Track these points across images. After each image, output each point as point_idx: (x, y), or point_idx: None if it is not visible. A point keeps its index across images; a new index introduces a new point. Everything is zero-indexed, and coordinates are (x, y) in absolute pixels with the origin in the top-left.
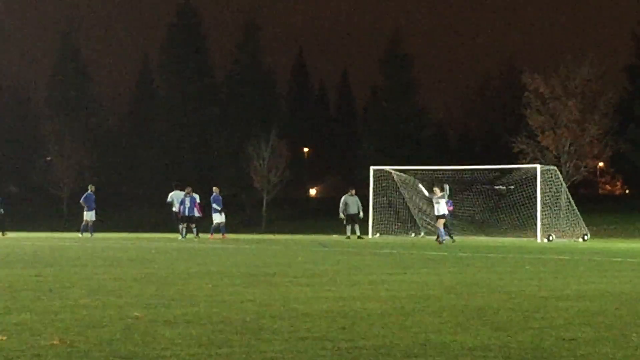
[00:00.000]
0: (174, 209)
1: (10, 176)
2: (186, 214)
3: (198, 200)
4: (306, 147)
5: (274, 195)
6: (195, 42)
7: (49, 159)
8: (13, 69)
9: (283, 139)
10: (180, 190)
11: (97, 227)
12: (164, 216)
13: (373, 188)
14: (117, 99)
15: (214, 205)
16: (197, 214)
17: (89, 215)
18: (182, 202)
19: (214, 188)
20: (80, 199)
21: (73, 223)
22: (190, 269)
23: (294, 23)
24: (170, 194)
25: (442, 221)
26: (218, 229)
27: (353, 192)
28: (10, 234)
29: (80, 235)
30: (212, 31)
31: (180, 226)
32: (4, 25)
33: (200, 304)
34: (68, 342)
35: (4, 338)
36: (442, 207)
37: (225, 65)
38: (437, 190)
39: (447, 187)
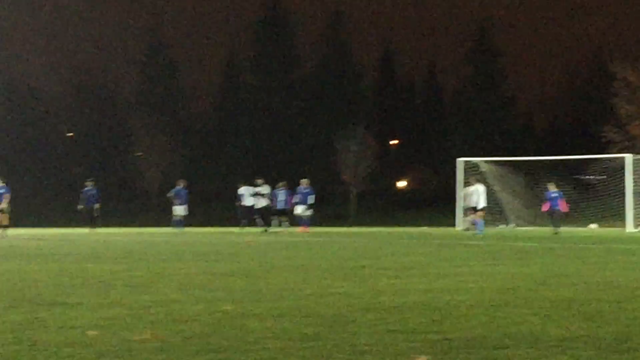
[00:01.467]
0: (242, 202)
1: (100, 172)
2: (281, 207)
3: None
4: (394, 139)
5: (362, 188)
6: (282, 34)
7: (138, 154)
8: (101, 65)
9: (371, 131)
10: (250, 185)
11: (186, 221)
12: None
13: (460, 180)
14: (205, 93)
15: (308, 198)
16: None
17: (179, 210)
18: (275, 195)
19: (303, 181)
20: (168, 193)
21: (162, 218)
22: (280, 262)
23: (381, 14)
24: (242, 188)
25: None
26: (306, 222)
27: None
28: (101, 230)
29: (173, 230)
30: (299, 23)
31: (271, 219)
32: (92, 22)
33: (289, 297)
34: (159, 337)
35: (96, 333)
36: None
37: (312, 57)
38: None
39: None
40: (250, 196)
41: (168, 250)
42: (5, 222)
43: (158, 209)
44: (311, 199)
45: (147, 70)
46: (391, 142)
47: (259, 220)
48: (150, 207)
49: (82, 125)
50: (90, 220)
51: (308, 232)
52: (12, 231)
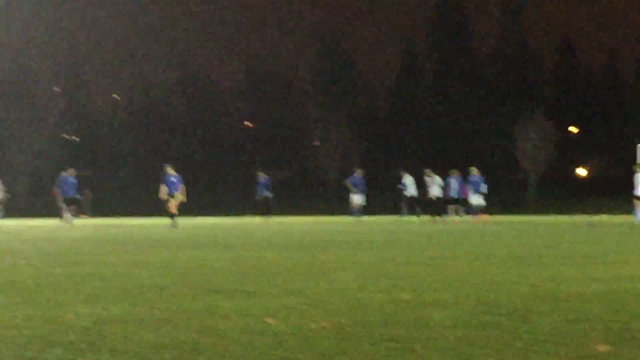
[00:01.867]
0: (405, 192)
1: (278, 161)
2: (455, 195)
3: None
4: (573, 126)
5: (541, 175)
6: (459, 22)
7: (316, 143)
8: (279, 55)
9: (549, 118)
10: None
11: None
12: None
13: None
14: (382, 81)
15: (481, 187)
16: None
17: (357, 199)
18: (448, 184)
19: (472, 169)
20: (345, 182)
21: (341, 206)
22: (457, 251)
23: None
24: (407, 178)
25: None
26: (478, 210)
27: None
28: (278, 219)
29: (351, 218)
30: (477, 10)
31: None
32: (269, 13)
33: (468, 286)
34: (338, 325)
35: (275, 321)
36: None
37: (490, 44)
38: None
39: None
40: (412, 185)
41: (346, 238)
42: (174, 210)
43: (337, 198)
44: (484, 188)
45: (325, 59)
46: (570, 129)
47: (417, 209)
48: (328, 196)
49: (260, 115)
50: (264, 209)
51: (483, 220)
52: (190, 221)
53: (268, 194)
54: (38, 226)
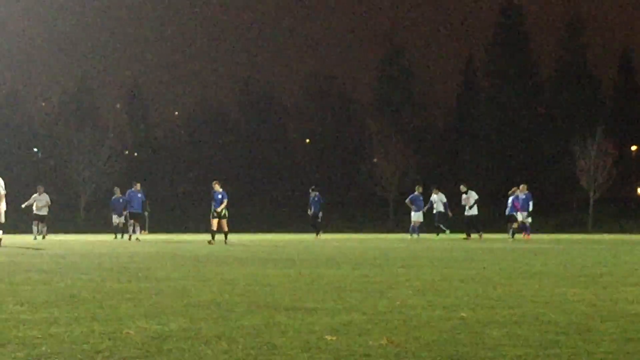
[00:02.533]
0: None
1: (337, 177)
2: (509, 212)
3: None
4: (633, 145)
5: (601, 194)
6: (519, 40)
7: (375, 160)
8: (339, 71)
9: (609, 137)
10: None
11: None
12: (489, 215)
13: None
14: (441, 98)
15: (529, 205)
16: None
17: (416, 216)
18: (515, 199)
19: (522, 187)
20: (406, 199)
21: (401, 224)
22: (515, 268)
23: (619, 17)
24: (435, 193)
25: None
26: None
27: None
28: (331, 236)
29: (409, 236)
30: (536, 29)
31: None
32: (329, 29)
33: (526, 304)
34: (396, 343)
35: (334, 338)
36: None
37: (549, 63)
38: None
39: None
40: (442, 202)
41: (405, 256)
42: (226, 228)
43: (397, 214)
44: (530, 205)
45: (384, 76)
46: (631, 148)
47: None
48: (388, 214)
49: (319, 130)
50: (315, 226)
51: (529, 239)
52: (249, 236)
53: (318, 211)
54: (98, 241)
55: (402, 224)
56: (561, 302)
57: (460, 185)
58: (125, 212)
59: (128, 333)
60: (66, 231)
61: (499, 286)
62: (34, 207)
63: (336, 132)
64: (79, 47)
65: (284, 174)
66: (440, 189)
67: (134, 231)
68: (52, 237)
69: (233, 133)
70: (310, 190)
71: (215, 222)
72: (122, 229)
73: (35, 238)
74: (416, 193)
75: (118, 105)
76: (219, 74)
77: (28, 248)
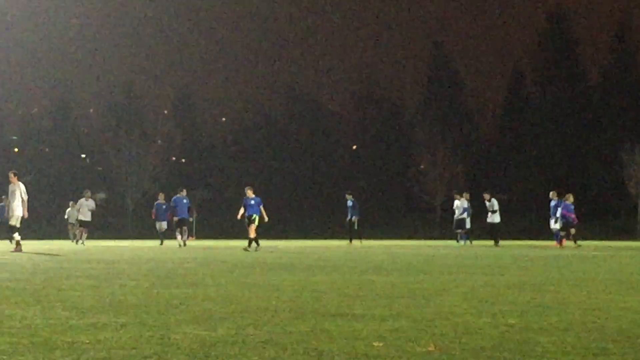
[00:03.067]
0: (553, 222)
1: (383, 184)
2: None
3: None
4: None
5: None
6: (566, 47)
7: (421, 167)
8: (386, 78)
9: None
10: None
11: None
12: (535, 222)
13: None
14: (488, 106)
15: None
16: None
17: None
18: (557, 208)
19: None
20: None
21: (447, 231)
22: (564, 275)
23: None
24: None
25: None
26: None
27: None
28: (374, 242)
29: (457, 243)
30: (583, 35)
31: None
32: (376, 36)
33: (574, 311)
34: (443, 349)
35: (381, 344)
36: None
37: (597, 69)
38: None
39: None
40: (463, 208)
41: (452, 262)
42: (252, 234)
43: (442, 222)
44: (559, 211)
45: (431, 83)
46: None
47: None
48: (435, 220)
49: (366, 137)
50: (352, 232)
51: (558, 246)
52: (290, 243)
53: (354, 217)
54: (145, 247)
55: (448, 231)
56: (610, 309)
57: (484, 193)
58: (175, 219)
59: (175, 339)
60: (114, 237)
61: (547, 293)
62: (79, 212)
63: (382, 139)
64: (127, 54)
65: (330, 180)
66: (464, 195)
67: (182, 237)
68: (100, 243)
69: (280, 139)
70: (345, 195)
71: (252, 228)
72: (165, 234)
73: (77, 243)
74: (464, 200)
75: (166, 112)
76: (267, 80)
77: (75, 253)
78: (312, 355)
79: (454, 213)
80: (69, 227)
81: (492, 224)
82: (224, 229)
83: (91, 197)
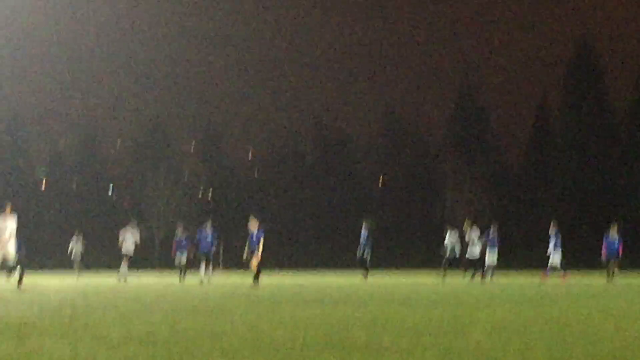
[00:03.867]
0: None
1: (409, 217)
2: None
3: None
4: None
5: None
6: (594, 79)
7: (446, 199)
8: (412, 109)
9: None
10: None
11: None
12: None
13: None
14: (515, 137)
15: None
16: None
17: (491, 259)
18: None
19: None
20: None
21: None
22: (593, 308)
23: None
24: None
25: None
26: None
27: None
28: (399, 273)
29: (481, 279)
30: (610, 67)
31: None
32: (403, 68)
33: (604, 343)
34: None
35: None
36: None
37: (623, 104)
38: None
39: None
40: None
41: (479, 295)
42: (254, 269)
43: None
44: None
45: (458, 115)
46: None
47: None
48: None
49: (392, 170)
50: (360, 265)
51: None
52: (319, 277)
53: (367, 248)
54: (171, 282)
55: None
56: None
57: (466, 222)
58: (195, 251)
59: None
60: (143, 268)
61: (575, 325)
62: (123, 244)
63: (409, 172)
64: (153, 90)
65: (357, 212)
66: (475, 224)
67: (205, 272)
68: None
69: (307, 172)
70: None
71: (255, 262)
72: (186, 268)
73: (120, 280)
74: (492, 231)
75: (192, 146)
76: (293, 114)
77: (105, 287)
78: None
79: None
80: (75, 263)
81: (471, 258)
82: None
83: (136, 228)
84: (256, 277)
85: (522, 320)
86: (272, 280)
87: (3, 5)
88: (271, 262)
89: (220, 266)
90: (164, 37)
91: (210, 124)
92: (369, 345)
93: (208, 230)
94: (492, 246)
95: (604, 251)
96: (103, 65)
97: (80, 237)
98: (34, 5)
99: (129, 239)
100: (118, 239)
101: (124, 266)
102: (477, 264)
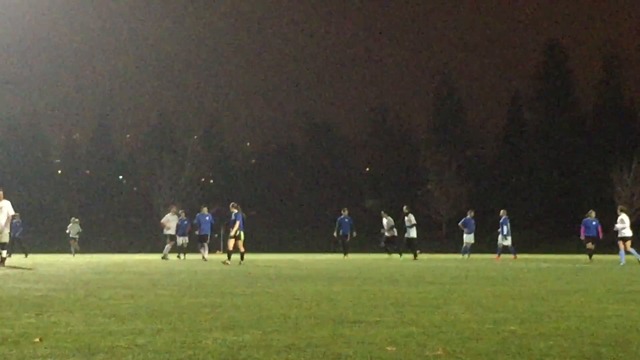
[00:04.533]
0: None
1: (393, 203)
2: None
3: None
4: None
5: (636, 218)
6: (561, 77)
7: (428, 187)
8: (396, 108)
9: None
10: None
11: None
12: (538, 239)
13: None
14: (490, 131)
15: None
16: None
17: (468, 238)
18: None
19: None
20: (459, 222)
21: (450, 245)
22: (560, 286)
23: None
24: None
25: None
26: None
27: None
28: (383, 256)
29: (460, 256)
30: (576, 66)
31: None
32: (386, 67)
33: (570, 318)
34: (451, 353)
35: (394, 348)
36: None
37: (589, 98)
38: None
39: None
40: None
41: (457, 274)
42: (242, 248)
43: (447, 238)
44: (505, 229)
45: (438, 111)
46: None
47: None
48: (439, 236)
49: (377, 160)
50: (343, 247)
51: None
52: (309, 256)
53: (347, 231)
54: (176, 261)
55: (454, 245)
56: (602, 317)
57: (404, 208)
58: (197, 234)
59: (206, 344)
60: (149, 251)
61: (545, 302)
62: (166, 227)
63: (393, 162)
64: (160, 85)
65: (344, 199)
66: (411, 211)
67: (204, 251)
68: (135, 257)
69: (299, 162)
70: (342, 212)
71: (231, 242)
72: (185, 249)
73: (180, 257)
74: (468, 217)
75: (196, 137)
76: (288, 110)
77: (120, 266)
78: (330, 359)
79: (459, 229)
80: (71, 241)
81: (409, 238)
82: (249, 244)
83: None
84: (231, 254)
85: (498, 296)
86: (268, 260)
87: (20, 4)
88: (266, 244)
89: (221, 250)
90: (169, 38)
91: (212, 118)
92: (356, 320)
93: (206, 214)
94: (469, 229)
95: (582, 232)
96: (114, 63)
97: (77, 221)
98: (49, 4)
99: (172, 221)
100: (161, 221)
101: (167, 247)
102: (412, 245)
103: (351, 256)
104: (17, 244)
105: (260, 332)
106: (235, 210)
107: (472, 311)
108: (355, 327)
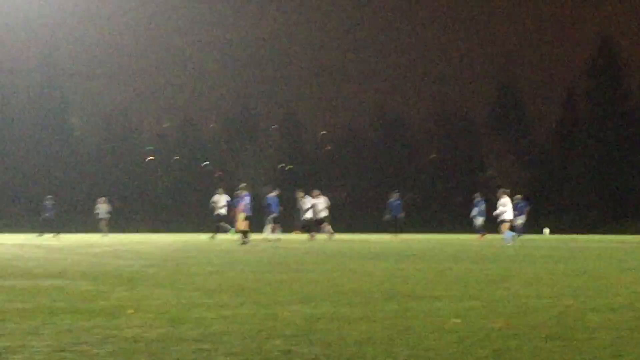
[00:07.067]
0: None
1: (456, 189)
2: None
3: None
4: None
5: None
6: (613, 71)
7: (490, 173)
8: (459, 96)
9: None
10: None
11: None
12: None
13: None
14: (546, 120)
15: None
16: None
17: (519, 220)
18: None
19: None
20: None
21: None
22: (612, 264)
23: None
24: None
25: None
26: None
27: None
28: (451, 236)
29: (518, 236)
30: (629, 62)
31: None
32: (451, 61)
33: (624, 293)
34: (511, 325)
35: (458, 321)
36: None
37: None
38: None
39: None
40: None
41: (516, 253)
42: (247, 227)
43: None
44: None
45: (498, 100)
46: None
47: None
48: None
49: (442, 148)
50: (394, 228)
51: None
52: (379, 236)
53: (401, 214)
54: (257, 239)
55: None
56: None
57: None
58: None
59: (284, 315)
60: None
61: (599, 279)
62: (217, 207)
63: (456, 150)
64: (241, 79)
65: (412, 184)
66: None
67: (276, 231)
68: (219, 236)
69: (369, 148)
70: (391, 195)
71: (245, 222)
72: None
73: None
74: (517, 200)
75: (274, 126)
76: (358, 100)
77: (202, 245)
78: (399, 330)
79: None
80: (101, 222)
81: (320, 219)
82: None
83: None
84: (245, 233)
85: (554, 273)
86: (343, 240)
87: (117, 5)
88: (340, 225)
89: (296, 229)
90: (247, 36)
91: (290, 107)
92: (423, 294)
93: (276, 195)
94: (521, 213)
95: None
96: (200, 58)
97: (106, 202)
98: (137, 5)
99: (220, 202)
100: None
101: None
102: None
103: (420, 236)
104: (50, 224)
105: (334, 305)
106: (245, 192)
107: (531, 287)
108: (421, 301)
